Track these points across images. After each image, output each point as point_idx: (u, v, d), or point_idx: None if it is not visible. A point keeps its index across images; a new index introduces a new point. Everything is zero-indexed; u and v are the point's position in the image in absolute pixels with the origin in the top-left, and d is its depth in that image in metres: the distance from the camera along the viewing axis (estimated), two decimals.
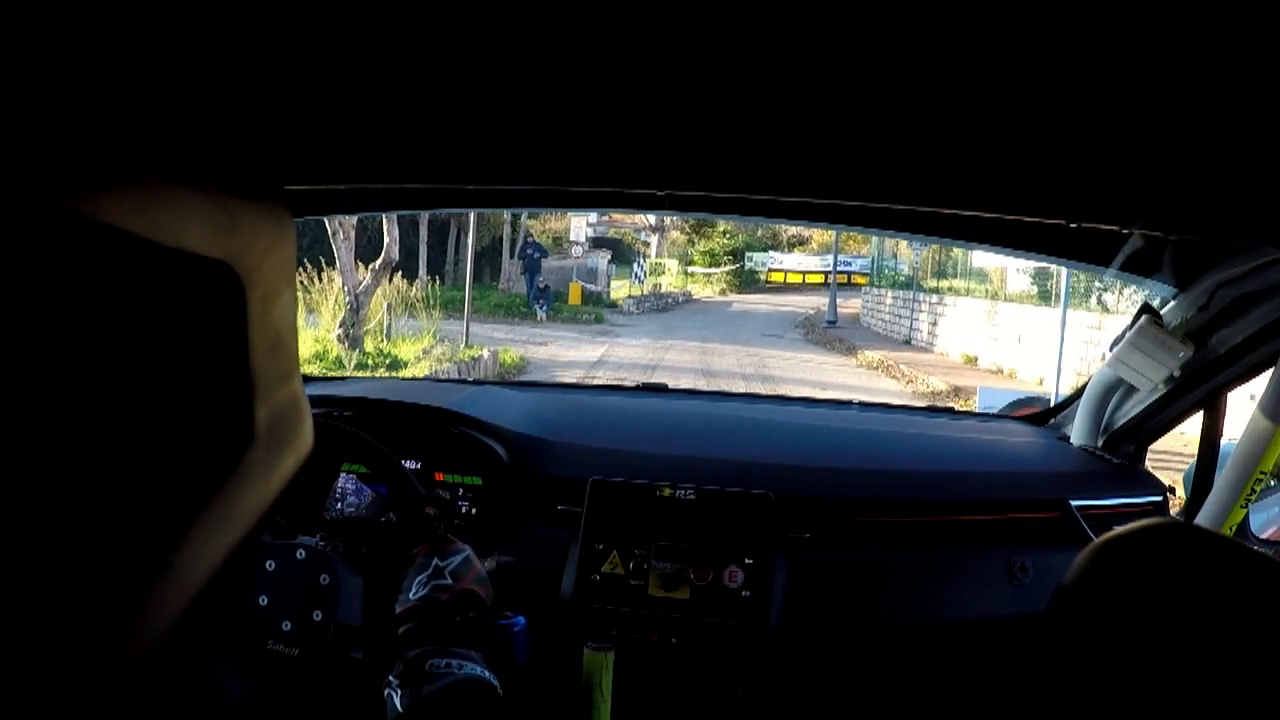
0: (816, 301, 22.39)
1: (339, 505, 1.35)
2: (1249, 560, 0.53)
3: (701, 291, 25.83)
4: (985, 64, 0.61)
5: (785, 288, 26.38)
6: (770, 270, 27.44)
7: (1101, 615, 0.54)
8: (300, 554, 0.95)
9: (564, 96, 0.72)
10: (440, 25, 0.59)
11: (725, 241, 26.98)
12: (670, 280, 24.46)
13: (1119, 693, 0.51)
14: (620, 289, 21.06)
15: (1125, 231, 0.98)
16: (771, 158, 0.81)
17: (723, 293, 26.15)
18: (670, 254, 26.83)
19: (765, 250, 27.84)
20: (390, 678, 0.80)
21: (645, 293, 21.08)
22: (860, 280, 24.80)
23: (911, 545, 1.36)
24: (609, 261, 21.31)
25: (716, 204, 1.18)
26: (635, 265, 21.82)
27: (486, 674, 0.81)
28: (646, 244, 26.68)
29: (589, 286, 18.94)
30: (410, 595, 0.89)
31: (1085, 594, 0.56)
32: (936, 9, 0.50)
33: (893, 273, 19.96)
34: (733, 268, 27.00)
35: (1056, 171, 0.78)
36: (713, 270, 26.80)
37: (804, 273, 26.86)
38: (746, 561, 1.27)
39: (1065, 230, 0.90)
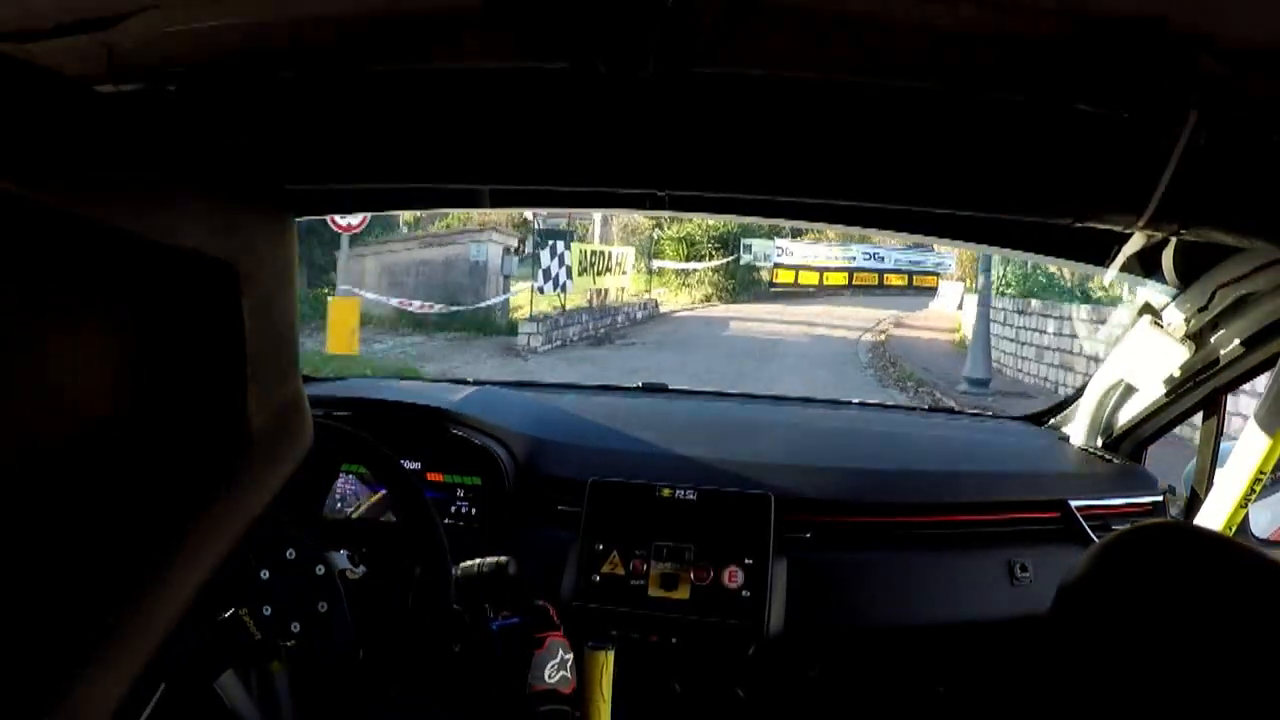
0: (858, 314, 14.41)
1: (339, 505, 1.34)
2: (1249, 561, 0.53)
3: (675, 300, 16.64)
4: (985, 64, 0.61)
5: (797, 291, 18.22)
6: (777, 267, 18.45)
7: (1103, 616, 0.54)
8: (290, 554, 0.95)
9: (564, 96, 0.72)
10: (440, 25, 0.59)
11: (710, 225, 16.31)
12: (625, 282, 14.16)
13: (1120, 693, 0.51)
14: (555, 295, 11.34)
15: (1125, 231, 0.98)
16: (773, 156, 0.81)
17: (708, 300, 17.01)
18: (625, 239, 16.25)
19: (768, 237, 17.83)
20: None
21: (570, 307, 11.42)
22: (895, 281, 18.76)
23: (912, 545, 1.36)
24: (512, 253, 11.82)
25: (718, 204, 1.18)
26: (546, 255, 10.68)
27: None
28: (586, 224, 15.81)
29: (442, 306, 10.23)
30: (545, 678, 1.04)
31: (1087, 595, 0.56)
32: (939, 10, 0.50)
33: (1039, 277, 10.82)
34: (722, 263, 17.27)
35: (1057, 171, 0.78)
36: (693, 266, 17.00)
37: (821, 270, 18.67)
38: (746, 562, 1.26)
39: (1065, 230, 0.90)
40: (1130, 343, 1.34)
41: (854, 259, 18.97)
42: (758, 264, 18.52)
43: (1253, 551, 0.54)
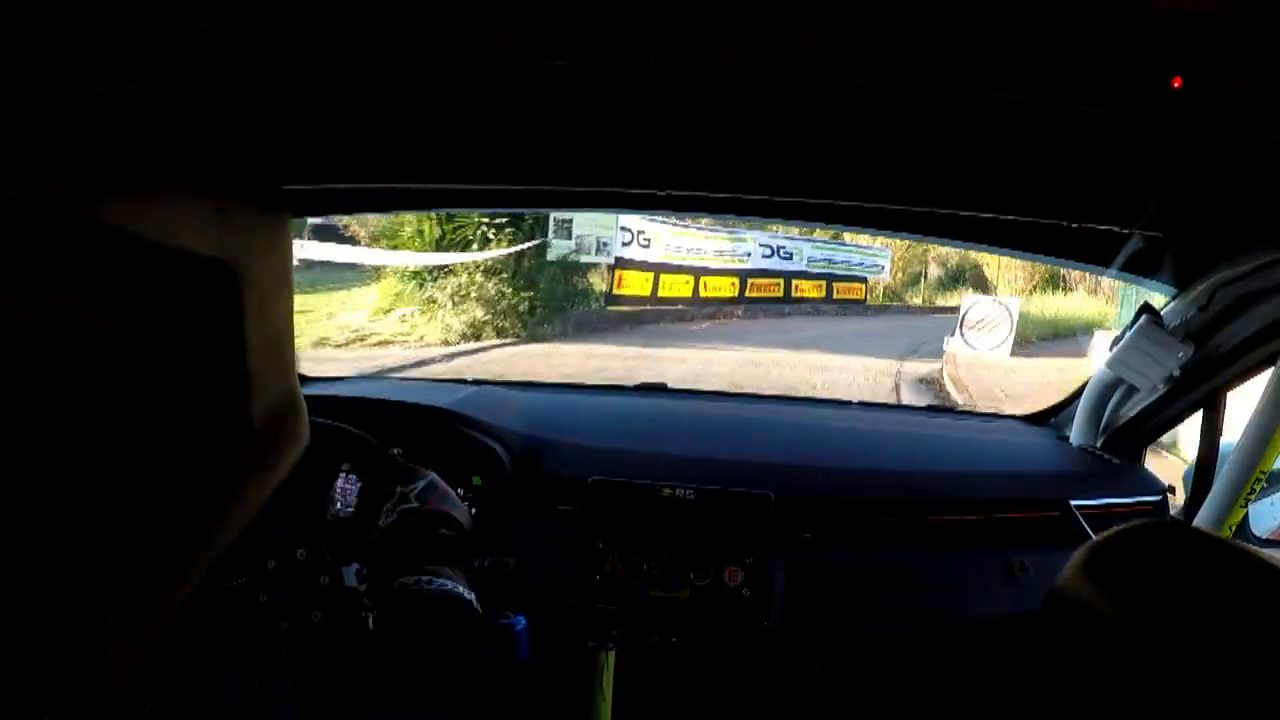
0: (819, 372, 7.58)
1: (339, 505, 1.34)
2: (1239, 560, 0.53)
3: (414, 336, 8.00)
4: (985, 63, 0.61)
5: (655, 311, 10.24)
6: (619, 267, 9.85)
7: (1093, 617, 0.54)
8: (300, 554, 0.95)
9: (564, 96, 0.72)
10: (439, 25, 0.59)
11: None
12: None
13: (1111, 693, 0.51)
14: None
15: (1125, 231, 0.99)
16: (772, 156, 0.81)
17: (476, 337, 8.16)
18: None
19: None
20: (364, 600, 0.80)
21: None
22: (809, 290, 12.09)
23: (912, 545, 1.36)
24: None
25: (718, 203, 1.18)
26: None
27: (459, 589, 0.82)
28: None
29: None
30: (380, 523, 0.90)
31: (1077, 596, 0.56)
32: (938, 10, 0.50)
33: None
34: (509, 253, 8.48)
35: (1057, 171, 0.78)
36: (450, 259, 8.18)
37: (696, 272, 10.70)
38: (746, 561, 1.26)
39: (1065, 230, 0.90)
40: (1130, 342, 1.34)
41: (748, 255, 11.29)
42: (581, 258, 9.53)
43: (1243, 551, 0.54)
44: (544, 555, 1.30)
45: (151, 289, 0.34)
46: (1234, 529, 1.30)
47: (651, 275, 10.28)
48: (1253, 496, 1.28)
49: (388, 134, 0.78)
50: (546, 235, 9.21)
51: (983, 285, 14.82)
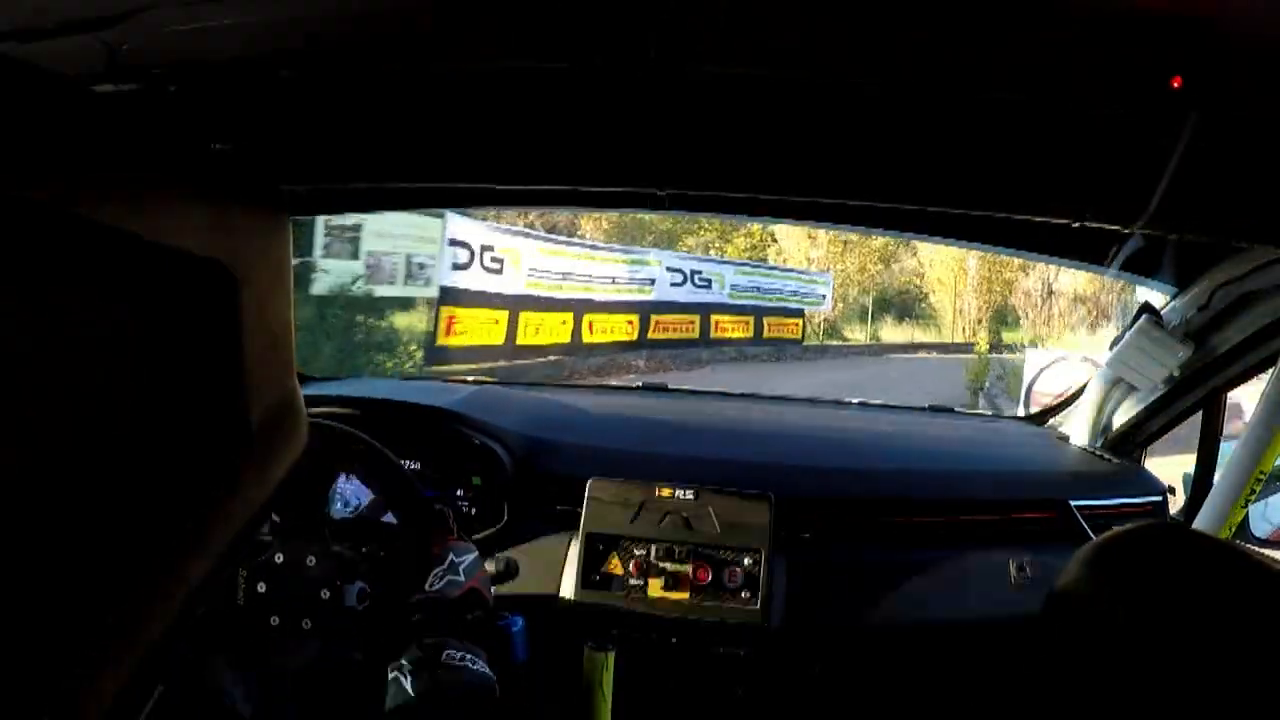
0: None
1: (339, 506, 1.34)
2: (1240, 562, 0.53)
3: None
4: (985, 63, 0.61)
5: (514, 369, 6.45)
6: (454, 303, 5.91)
7: (1094, 617, 0.54)
8: (311, 561, 0.96)
9: (564, 95, 0.73)
10: (438, 24, 0.59)
11: None
12: None
13: (1111, 694, 0.51)
14: None
15: (1125, 231, 0.99)
16: (773, 156, 0.81)
17: None
18: None
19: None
20: (402, 660, 0.81)
21: None
22: (732, 329, 9.43)
23: (911, 545, 1.36)
24: None
25: (718, 203, 1.18)
26: None
27: (490, 674, 0.84)
28: None
29: None
30: (427, 586, 0.91)
31: (1077, 596, 0.56)
32: (938, 10, 0.50)
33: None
34: None
35: (1057, 171, 0.78)
36: None
37: (577, 308, 7.29)
38: (746, 561, 1.27)
39: (1066, 230, 0.90)
40: (1130, 342, 1.34)
41: (651, 282, 8.34)
42: (378, 290, 6.23)
43: (1243, 553, 0.54)
44: (544, 555, 1.30)
45: (151, 289, 0.34)
46: (1234, 529, 1.30)
47: (505, 314, 6.61)
48: (1253, 497, 1.28)
49: (387, 134, 0.78)
50: (310, 253, 5.50)
51: (910, 313, 12.73)
